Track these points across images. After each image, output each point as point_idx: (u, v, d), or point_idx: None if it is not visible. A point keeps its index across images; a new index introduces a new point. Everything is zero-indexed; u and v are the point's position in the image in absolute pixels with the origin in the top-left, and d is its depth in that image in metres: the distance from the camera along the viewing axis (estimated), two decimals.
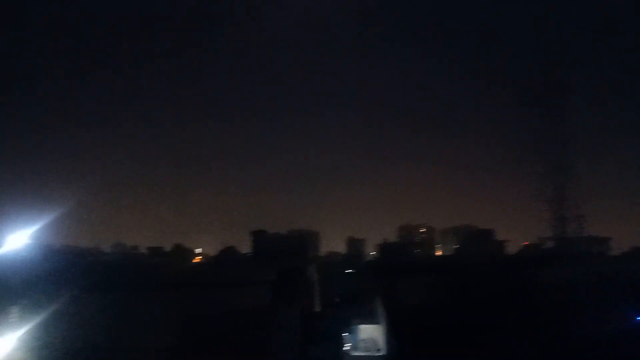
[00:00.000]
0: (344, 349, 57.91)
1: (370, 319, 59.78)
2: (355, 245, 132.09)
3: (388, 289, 60.61)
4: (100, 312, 55.67)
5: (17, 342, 55.46)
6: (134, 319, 53.97)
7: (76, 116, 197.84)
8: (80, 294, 58.41)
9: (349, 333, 59.34)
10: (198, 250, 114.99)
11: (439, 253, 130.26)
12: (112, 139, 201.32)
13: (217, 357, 46.57)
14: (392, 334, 52.59)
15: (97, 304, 57.43)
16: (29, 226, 61.27)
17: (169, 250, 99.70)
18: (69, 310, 57.11)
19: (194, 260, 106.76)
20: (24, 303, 57.10)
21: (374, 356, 56.71)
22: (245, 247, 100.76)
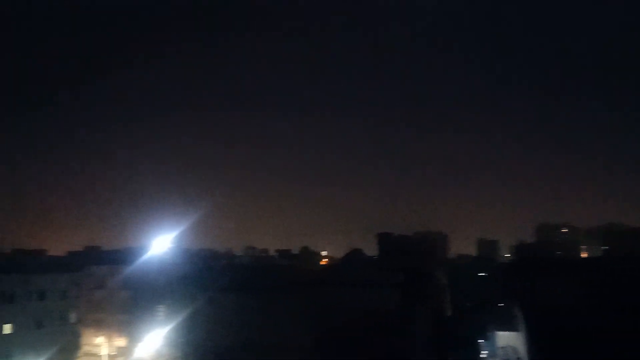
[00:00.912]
0: (481, 356, 55.41)
1: (507, 325, 56.58)
2: (486, 247, 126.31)
3: (527, 294, 56.85)
4: (235, 312, 59.00)
5: (164, 339, 60.86)
6: (266, 319, 56.35)
7: (211, 129, 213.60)
8: (217, 294, 62.44)
9: (486, 340, 56.63)
10: (324, 253, 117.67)
11: (584, 255, 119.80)
12: (242, 148, 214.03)
13: (349, 356, 47.00)
14: (534, 342, 49.06)
15: (232, 304, 60.94)
16: (171, 231, 67.31)
17: (296, 253, 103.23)
18: (207, 309, 61.35)
19: (321, 262, 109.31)
20: (169, 302, 62.45)
21: None
22: (371, 249, 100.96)
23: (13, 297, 51.97)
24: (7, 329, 50.94)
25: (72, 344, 57.35)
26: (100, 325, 61.04)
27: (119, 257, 63.51)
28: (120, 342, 60.68)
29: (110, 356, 59.92)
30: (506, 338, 55.88)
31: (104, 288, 61.67)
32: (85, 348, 59.75)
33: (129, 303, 61.30)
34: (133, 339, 60.54)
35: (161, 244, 65.91)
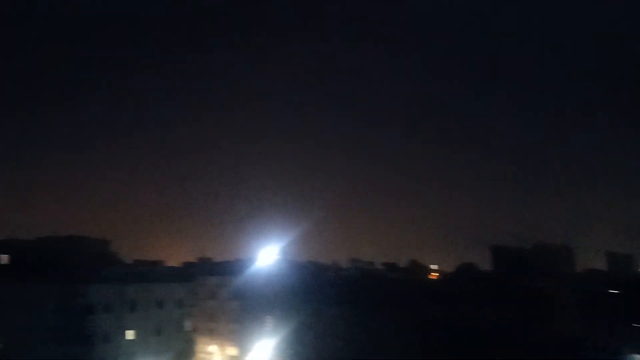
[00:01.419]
0: None
1: None
2: (618, 261, 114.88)
3: None
4: (342, 325, 58.63)
5: (273, 350, 62.07)
6: (373, 333, 55.32)
7: (318, 141, 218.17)
8: (323, 307, 62.51)
9: None
10: (434, 267, 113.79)
11: None
12: (348, 159, 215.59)
13: None
14: None
15: (339, 317, 60.64)
16: (277, 243, 68.88)
17: (404, 266, 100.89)
18: (314, 322, 61.64)
19: (430, 277, 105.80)
20: (276, 313, 63.66)
21: None
22: (485, 263, 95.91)
23: (135, 305, 56.08)
24: (130, 334, 54.99)
25: (187, 351, 60.52)
26: (212, 333, 63.87)
27: (229, 269, 66.10)
28: (232, 350, 62.92)
29: None
30: None
31: (216, 298, 64.45)
32: (199, 355, 62.73)
33: (238, 313, 63.48)
34: (243, 348, 62.48)
35: (268, 255, 67.59)
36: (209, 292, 64.94)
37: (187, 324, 61.83)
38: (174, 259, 74.29)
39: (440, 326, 52.60)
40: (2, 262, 52.68)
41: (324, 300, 62.31)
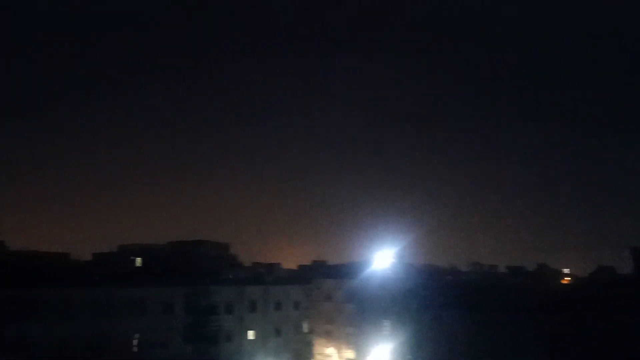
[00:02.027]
0: None
1: None
2: None
3: None
4: (462, 332, 56.71)
5: (390, 354, 61.74)
6: (495, 341, 52.91)
7: (432, 141, 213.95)
8: (442, 312, 60.93)
9: None
10: (566, 271, 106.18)
11: None
12: (465, 160, 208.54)
13: None
14: None
15: (458, 323, 58.74)
16: (393, 246, 68.38)
17: (531, 270, 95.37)
18: (432, 327, 60.30)
19: (562, 282, 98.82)
20: (393, 317, 63.25)
21: None
22: (625, 267, 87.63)
23: (255, 306, 58.84)
24: (251, 334, 57.79)
25: (305, 352, 62.23)
26: (329, 336, 65.07)
27: (344, 271, 66.93)
28: (349, 354, 63.61)
29: None
30: None
31: (331, 301, 65.59)
32: (317, 357, 64.21)
33: (354, 316, 64.02)
34: (360, 352, 62.88)
35: (383, 258, 67.37)
36: (324, 294, 66.25)
37: (304, 326, 63.55)
38: (290, 262, 76.88)
39: (572, 334, 48.94)
40: (137, 265, 58.05)
41: (442, 305, 60.79)
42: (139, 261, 58.33)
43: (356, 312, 64.04)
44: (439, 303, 60.81)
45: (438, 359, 57.58)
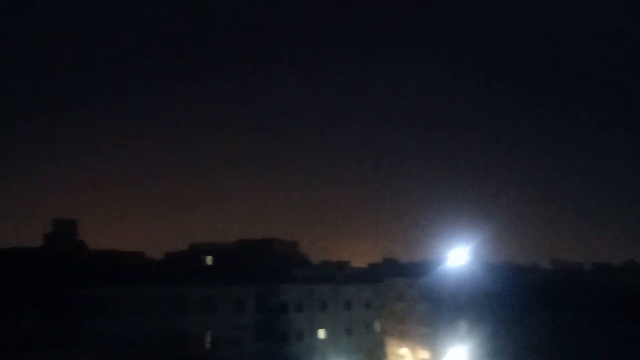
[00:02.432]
0: None
1: None
2: None
3: None
4: (545, 334, 54.03)
5: (467, 356, 59.73)
6: (582, 344, 49.91)
7: (507, 132, 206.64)
8: (523, 312, 58.36)
9: None
10: None
11: None
12: (544, 152, 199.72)
13: None
14: None
15: (540, 324, 56.05)
16: (468, 243, 66.13)
17: (619, 267, 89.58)
18: (512, 328, 57.83)
19: None
20: (469, 318, 61.15)
21: None
22: None
23: (325, 305, 58.53)
24: (322, 334, 57.55)
25: (377, 352, 61.25)
26: (403, 336, 63.76)
27: (416, 270, 65.38)
28: (423, 354, 62.12)
29: None
30: None
31: (404, 300, 64.24)
32: (390, 357, 63.11)
33: (429, 316, 62.42)
34: (436, 352, 61.26)
35: (457, 256, 65.25)
36: (396, 293, 65.01)
37: (377, 326, 62.63)
38: (360, 260, 75.81)
39: None
40: (207, 263, 59.28)
41: (522, 305, 58.23)
42: (209, 260, 59.53)
43: (430, 311, 62.41)
44: (519, 302, 58.32)
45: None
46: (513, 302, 58.53)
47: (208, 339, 47.57)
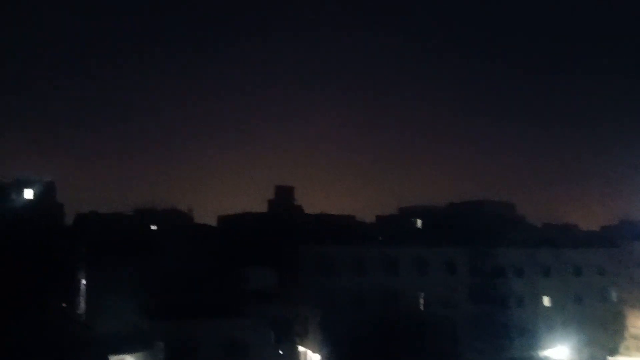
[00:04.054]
0: None
1: None
2: None
3: None
4: None
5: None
6: None
7: None
8: None
9: None
10: None
11: None
12: None
13: None
14: None
15: None
16: None
17: None
18: None
19: None
20: None
21: None
22: None
23: (549, 271, 55.62)
24: (546, 301, 54.92)
25: (614, 324, 56.43)
26: None
27: None
28: None
29: None
30: None
31: None
32: (630, 330, 57.57)
33: None
34: None
35: None
36: (636, 258, 58.74)
37: (612, 295, 57.50)
38: (590, 222, 69.69)
39: None
40: (417, 226, 60.64)
41: None
42: (419, 223, 60.81)
43: None
44: None
45: None
46: None
47: (420, 299, 49.07)
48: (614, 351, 56.07)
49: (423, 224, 60.67)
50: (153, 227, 54.40)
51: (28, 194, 51.47)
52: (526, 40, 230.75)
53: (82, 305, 47.68)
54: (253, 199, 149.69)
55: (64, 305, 50.95)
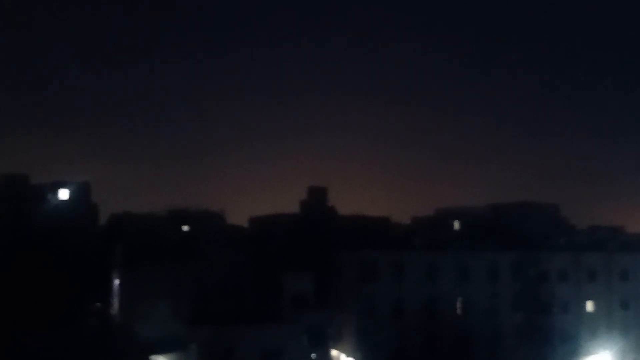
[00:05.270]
0: None
1: None
2: None
3: None
4: None
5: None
6: None
7: None
8: None
9: None
10: None
11: None
12: None
13: None
14: None
15: None
16: None
17: None
18: None
19: None
20: None
21: None
22: None
23: (594, 275, 54.55)
24: (590, 306, 53.97)
25: None
26: None
27: None
28: None
29: None
30: None
31: None
32: None
33: None
34: None
35: None
36: None
37: None
38: (639, 224, 68.00)
39: None
40: (455, 229, 59.97)
41: None
42: (456, 225, 60.21)
43: None
44: None
45: None
46: None
47: (459, 305, 48.69)
48: None
49: (461, 225, 60.08)
50: (185, 228, 55.20)
51: (63, 194, 52.62)
52: (568, 45, 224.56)
53: (116, 305, 48.77)
54: (285, 200, 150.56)
55: (98, 304, 52.19)
